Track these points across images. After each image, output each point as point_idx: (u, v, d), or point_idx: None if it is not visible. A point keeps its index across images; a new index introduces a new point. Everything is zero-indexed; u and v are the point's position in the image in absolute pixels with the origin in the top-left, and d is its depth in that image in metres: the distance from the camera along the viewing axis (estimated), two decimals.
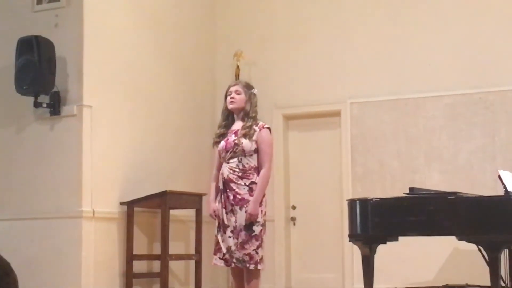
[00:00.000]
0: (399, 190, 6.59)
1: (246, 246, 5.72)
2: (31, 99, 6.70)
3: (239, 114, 5.97)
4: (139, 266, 7.18)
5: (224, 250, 5.80)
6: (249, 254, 5.72)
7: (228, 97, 5.98)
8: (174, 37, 8.07)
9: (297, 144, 8.54)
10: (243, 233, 5.73)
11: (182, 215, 7.70)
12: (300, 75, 8.43)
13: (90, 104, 6.77)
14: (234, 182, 5.79)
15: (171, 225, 7.10)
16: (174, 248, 7.32)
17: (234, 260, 5.76)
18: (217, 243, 5.86)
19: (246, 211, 5.71)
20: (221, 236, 5.83)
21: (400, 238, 5.81)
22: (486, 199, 5.64)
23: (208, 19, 8.78)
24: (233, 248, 5.75)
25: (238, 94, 5.96)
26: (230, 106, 5.96)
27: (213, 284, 8.25)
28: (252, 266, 5.75)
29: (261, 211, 5.79)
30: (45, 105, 6.73)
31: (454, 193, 5.61)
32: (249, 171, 5.81)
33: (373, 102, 8.02)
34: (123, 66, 7.25)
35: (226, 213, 5.80)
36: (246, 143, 5.81)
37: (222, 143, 5.92)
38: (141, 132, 7.43)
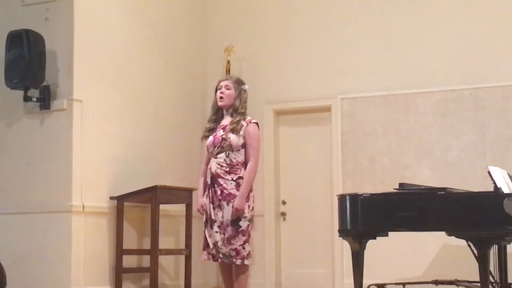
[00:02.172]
0: (389, 186, 6.59)
1: (233, 241, 5.73)
2: (21, 93, 6.67)
3: (229, 109, 5.98)
4: (129, 261, 7.17)
5: (211, 245, 5.81)
6: (235, 249, 5.73)
7: (218, 92, 5.98)
8: (165, 31, 8.06)
9: (288, 139, 8.54)
10: (229, 228, 5.74)
11: (172, 210, 7.69)
12: (290, 70, 8.42)
13: (80, 98, 6.74)
14: (222, 177, 5.80)
15: (161, 220, 7.09)
16: (164, 243, 7.31)
17: (221, 255, 5.76)
18: (205, 238, 5.87)
19: (233, 206, 5.72)
20: (208, 231, 5.84)
21: (390, 233, 5.83)
22: (476, 195, 5.65)
23: (199, 14, 8.76)
24: (219, 243, 5.76)
25: (228, 89, 5.96)
26: (219, 104, 5.97)
27: (203, 279, 8.25)
28: (238, 261, 5.75)
29: (248, 206, 5.80)
30: (35, 99, 6.71)
31: (444, 189, 5.63)
32: (237, 166, 5.82)
33: (364, 98, 8.03)
34: (114, 61, 7.23)
35: (214, 208, 5.80)
36: (233, 138, 5.82)
37: (210, 138, 5.93)
38: (131, 126, 7.41)
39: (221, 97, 5.95)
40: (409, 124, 7.83)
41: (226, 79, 6.09)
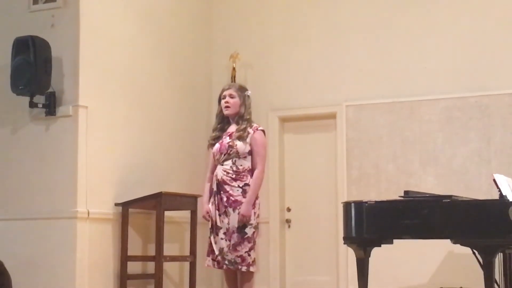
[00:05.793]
0: (394, 193, 6.58)
1: (238, 248, 5.74)
2: (26, 100, 6.68)
3: (234, 117, 6.00)
4: (133, 267, 7.17)
5: (216, 252, 5.82)
6: (241, 256, 5.74)
7: (223, 101, 6.02)
8: (171, 38, 8.07)
9: (293, 146, 8.54)
10: (235, 235, 5.75)
11: (177, 217, 7.69)
12: (296, 78, 8.43)
13: (85, 105, 6.75)
14: (228, 184, 5.81)
15: (166, 226, 7.09)
16: (169, 249, 7.31)
17: (226, 262, 5.77)
18: (210, 245, 5.89)
19: (239, 213, 5.73)
20: (214, 238, 5.85)
21: (395, 241, 5.82)
22: (481, 203, 5.65)
23: (204, 21, 8.78)
24: (225, 250, 5.77)
25: (232, 97, 6.00)
26: (225, 113, 6.01)
27: (208, 286, 8.24)
28: (244, 268, 5.76)
29: (254, 213, 5.81)
30: (40, 105, 6.72)
31: (449, 197, 5.62)
32: (243, 173, 5.84)
33: (369, 105, 8.03)
34: (119, 67, 7.24)
35: (219, 215, 5.82)
36: (240, 145, 5.84)
37: (217, 145, 5.95)
38: (136, 133, 7.42)
39: (226, 107, 5.98)
40: (414, 132, 7.82)
41: (229, 88, 6.11)
